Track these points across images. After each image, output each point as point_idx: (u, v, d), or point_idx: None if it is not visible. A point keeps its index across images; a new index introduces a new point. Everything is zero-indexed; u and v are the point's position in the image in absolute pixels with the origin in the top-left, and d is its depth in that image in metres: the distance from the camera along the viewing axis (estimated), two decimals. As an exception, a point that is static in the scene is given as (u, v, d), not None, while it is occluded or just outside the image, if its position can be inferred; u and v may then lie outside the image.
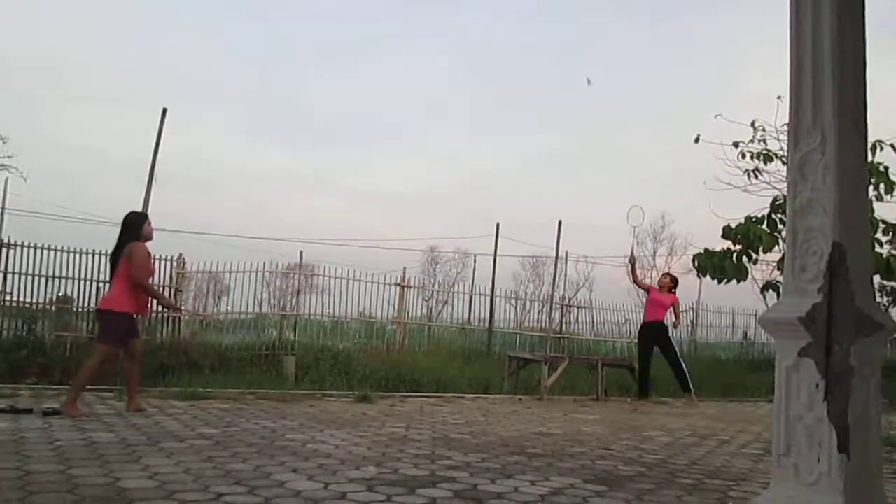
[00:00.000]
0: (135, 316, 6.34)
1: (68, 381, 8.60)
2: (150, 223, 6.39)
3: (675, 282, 10.14)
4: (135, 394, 6.28)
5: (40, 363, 9.06)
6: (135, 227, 6.27)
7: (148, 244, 6.35)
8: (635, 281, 10.59)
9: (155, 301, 6.97)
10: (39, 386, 7.97)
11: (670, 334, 9.89)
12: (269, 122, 60.36)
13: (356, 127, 62.45)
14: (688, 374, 9.66)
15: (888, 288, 16.39)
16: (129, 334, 6.19)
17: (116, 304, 6.08)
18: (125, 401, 6.41)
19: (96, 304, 10.45)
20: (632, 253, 10.45)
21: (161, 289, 10.53)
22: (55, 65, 51.47)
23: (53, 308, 10.57)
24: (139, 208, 9.46)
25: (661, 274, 10.42)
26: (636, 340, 16.14)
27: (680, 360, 9.68)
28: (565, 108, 60.00)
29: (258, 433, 5.33)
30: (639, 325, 10.45)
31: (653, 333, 9.85)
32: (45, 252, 10.25)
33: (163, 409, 6.52)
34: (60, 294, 10.58)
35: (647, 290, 10.42)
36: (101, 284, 10.54)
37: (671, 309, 9.91)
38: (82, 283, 10.47)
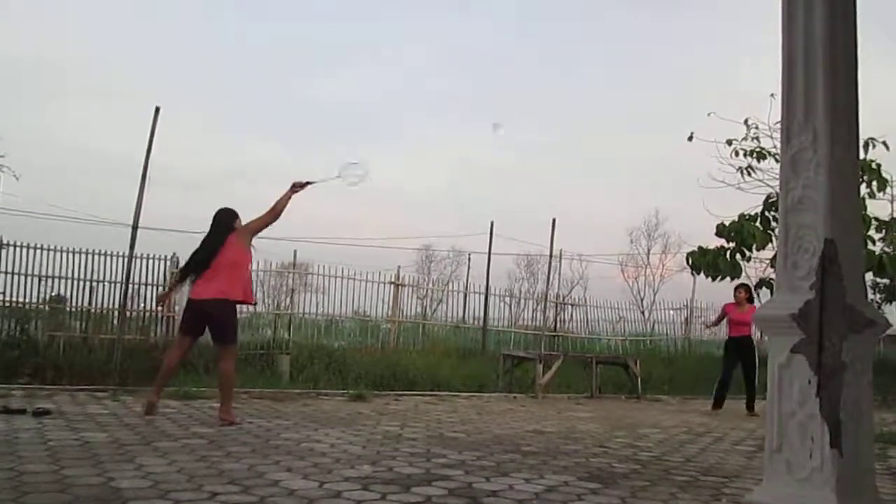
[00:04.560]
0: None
1: (61, 380, 8.61)
2: (240, 220, 6.16)
3: (750, 292, 9.71)
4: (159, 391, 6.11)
5: (33, 363, 9.02)
6: (228, 221, 6.08)
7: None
8: (713, 325, 10.59)
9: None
10: (32, 386, 7.94)
11: (756, 351, 9.60)
12: (263, 119, 60.09)
13: (350, 124, 62.29)
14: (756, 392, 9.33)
15: (881, 285, 16.49)
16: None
17: (232, 292, 5.82)
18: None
19: (87, 303, 10.45)
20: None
21: (155, 288, 10.50)
22: (48, 61, 51.22)
23: (47, 308, 10.53)
24: (132, 207, 9.43)
25: (734, 287, 9.76)
26: (630, 338, 16.41)
27: (756, 378, 9.34)
28: (560, 106, 59.94)
29: (253, 432, 5.33)
30: (726, 340, 10.01)
31: (740, 348, 9.55)
32: (38, 251, 10.20)
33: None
34: (54, 294, 10.54)
35: (726, 314, 9.99)
36: (94, 284, 10.51)
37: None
38: (75, 282, 10.43)
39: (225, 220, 6.13)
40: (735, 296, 9.79)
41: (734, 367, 9.58)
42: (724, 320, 10.09)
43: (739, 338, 9.65)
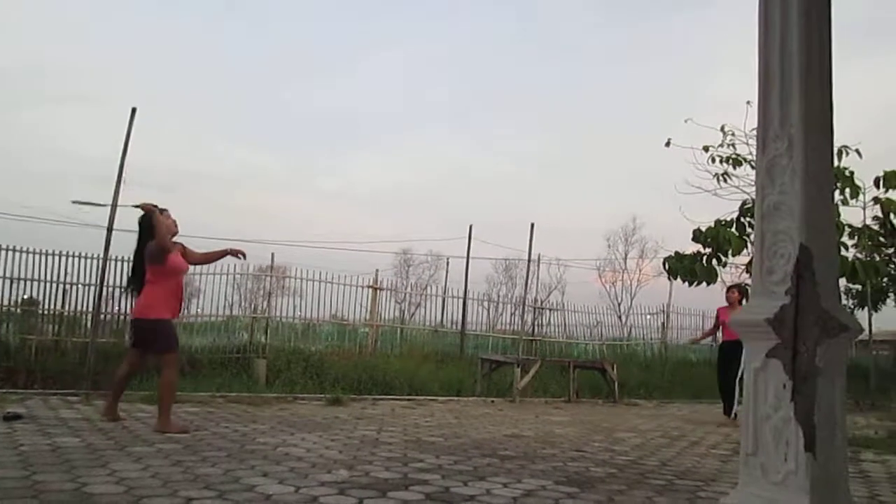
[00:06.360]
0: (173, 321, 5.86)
1: (33, 384, 8.48)
2: (168, 215, 5.85)
3: (743, 293, 8.95)
4: (116, 402, 5.99)
5: (5, 366, 8.89)
6: (151, 226, 5.75)
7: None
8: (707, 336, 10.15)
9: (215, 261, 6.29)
10: (4, 390, 7.80)
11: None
12: (240, 122, 59.94)
13: (329, 128, 62.28)
14: (737, 400, 8.61)
15: (853, 291, 16.73)
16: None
17: (155, 311, 5.63)
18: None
19: (60, 306, 10.30)
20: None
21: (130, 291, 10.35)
22: (19, 64, 50.62)
23: (19, 310, 10.37)
24: (107, 210, 9.30)
25: (727, 288, 9.29)
26: (608, 342, 16.47)
27: (739, 383, 8.70)
28: (538, 111, 60.45)
29: (228, 437, 5.27)
30: (721, 344, 9.33)
31: (733, 352, 8.47)
32: (10, 253, 10.04)
33: (131, 414, 6.42)
34: (26, 296, 10.38)
35: (721, 320, 9.17)
36: (67, 287, 10.36)
37: None
38: (48, 284, 10.28)
39: (148, 227, 5.81)
40: (728, 297, 9.17)
41: (734, 373, 8.54)
42: (718, 323, 9.39)
43: (732, 341, 8.57)
